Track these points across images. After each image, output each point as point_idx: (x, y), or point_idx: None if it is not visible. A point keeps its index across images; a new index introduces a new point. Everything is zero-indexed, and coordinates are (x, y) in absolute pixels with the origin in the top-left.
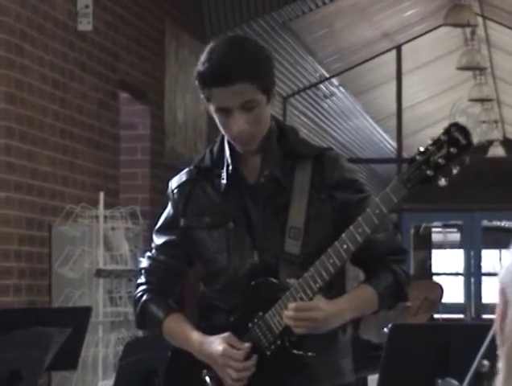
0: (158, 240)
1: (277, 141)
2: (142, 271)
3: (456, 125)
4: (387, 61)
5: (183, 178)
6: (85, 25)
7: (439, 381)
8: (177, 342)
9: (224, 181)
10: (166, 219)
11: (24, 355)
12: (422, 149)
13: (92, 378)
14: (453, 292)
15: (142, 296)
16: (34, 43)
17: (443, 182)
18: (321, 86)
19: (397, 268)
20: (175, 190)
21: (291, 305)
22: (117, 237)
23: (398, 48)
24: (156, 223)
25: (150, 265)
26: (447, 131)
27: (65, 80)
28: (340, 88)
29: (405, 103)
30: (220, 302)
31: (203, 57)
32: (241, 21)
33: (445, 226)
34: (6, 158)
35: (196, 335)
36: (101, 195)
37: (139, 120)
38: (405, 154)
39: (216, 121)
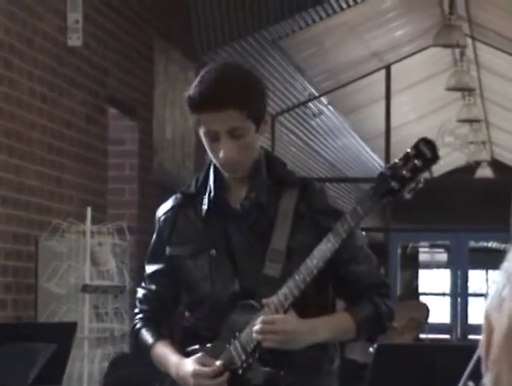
0: (148, 268)
1: (266, 168)
2: (137, 301)
3: (423, 140)
4: (376, 81)
5: (169, 206)
6: (75, 40)
7: None
8: (162, 367)
9: (205, 207)
10: (153, 247)
11: (9, 369)
12: (391, 163)
13: None
14: (439, 312)
15: (135, 325)
16: (23, 58)
17: (407, 195)
18: (310, 104)
19: (378, 301)
20: (162, 218)
21: (259, 319)
22: (103, 253)
23: (388, 68)
24: (143, 241)
25: (142, 295)
26: (415, 146)
27: (54, 94)
28: (329, 107)
29: (393, 122)
30: (202, 330)
31: (195, 81)
32: (231, 38)
33: (432, 246)
34: None
35: (174, 359)
36: (89, 210)
37: (128, 135)
38: None
39: (205, 145)
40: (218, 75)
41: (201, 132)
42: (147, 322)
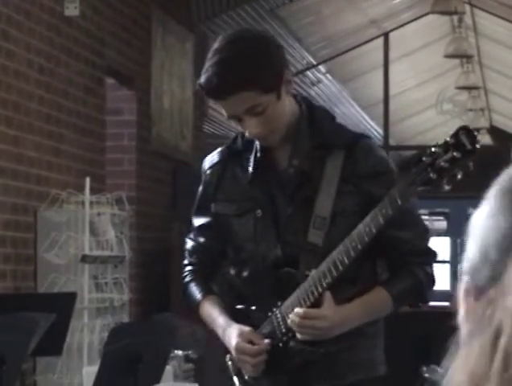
0: (196, 221)
1: (308, 128)
2: (186, 252)
3: (464, 129)
4: (374, 48)
5: (216, 159)
6: (72, 10)
7: (424, 368)
8: (209, 325)
9: (251, 166)
10: (200, 200)
11: (8, 340)
12: (431, 150)
13: (77, 364)
14: (439, 279)
15: (185, 277)
16: (20, 28)
17: (446, 186)
18: (308, 73)
19: (418, 271)
20: (208, 172)
21: (298, 310)
22: (103, 223)
23: (386, 35)
24: (142, 210)
25: (191, 247)
26: (455, 134)
27: (51, 65)
28: (327, 75)
29: (392, 90)
30: (246, 290)
31: (205, 65)
32: (228, 7)
33: (431, 214)
34: None
35: (221, 321)
36: (87, 180)
37: (125, 106)
38: (392, 142)
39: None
40: (223, 60)
41: (222, 112)
42: (196, 276)
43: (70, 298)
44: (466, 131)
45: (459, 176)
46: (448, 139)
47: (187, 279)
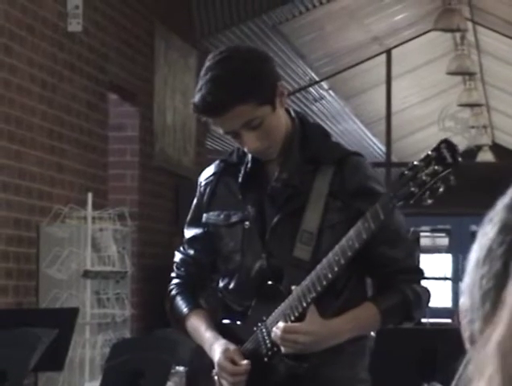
0: (187, 233)
1: (300, 142)
2: (174, 265)
3: (445, 142)
4: (377, 65)
5: (211, 172)
6: (75, 26)
7: (426, 385)
8: (196, 339)
9: (240, 178)
10: (193, 212)
11: (10, 355)
12: (413, 164)
13: (79, 379)
14: (441, 296)
15: (171, 290)
16: (23, 44)
17: (428, 200)
18: (311, 89)
19: (406, 289)
20: (203, 183)
21: (280, 325)
22: (105, 238)
23: (388, 52)
24: (144, 226)
25: (180, 259)
26: (436, 148)
27: (54, 80)
28: (330, 92)
29: (394, 107)
30: (233, 303)
31: (198, 83)
32: (231, 23)
33: (433, 230)
34: None
35: (208, 335)
36: (90, 195)
37: (128, 121)
38: (394, 158)
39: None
40: (215, 76)
41: (220, 130)
42: (183, 289)
43: (72, 314)
44: (447, 144)
45: (441, 190)
46: (430, 152)
47: (174, 292)
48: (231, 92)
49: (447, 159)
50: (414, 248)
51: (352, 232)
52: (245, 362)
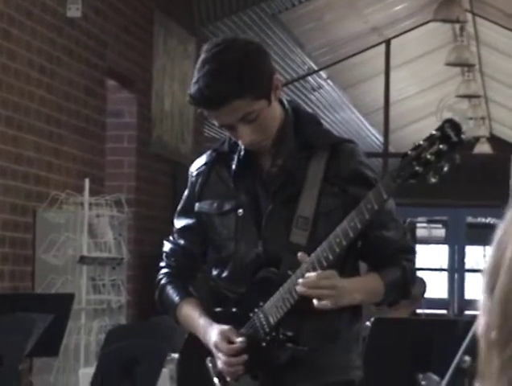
0: (177, 223)
1: (294, 129)
2: (164, 254)
3: (449, 122)
4: (376, 55)
5: (202, 161)
6: (74, 11)
7: (421, 376)
8: (188, 327)
9: (234, 166)
10: (184, 202)
11: (5, 340)
12: (416, 144)
13: (74, 365)
14: (437, 287)
15: (161, 279)
16: (22, 29)
17: (432, 179)
18: (309, 79)
19: (406, 266)
20: (194, 173)
21: (310, 274)
22: (101, 225)
23: (387, 43)
24: (141, 213)
25: (170, 249)
26: (440, 127)
27: (52, 66)
28: (329, 81)
29: (392, 97)
30: (226, 291)
31: (194, 75)
32: (230, 12)
33: (430, 221)
34: None
35: (202, 322)
36: (87, 182)
37: (126, 108)
38: (391, 149)
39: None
40: (213, 70)
41: (215, 122)
42: (173, 278)
43: (68, 299)
44: (452, 124)
45: (445, 169)
46: (434, 132)
47: (164, 281)
48: (228, 87)
49: (451, 138)
50: (406, 229)
51: (353, 214)
52: (240, 339)
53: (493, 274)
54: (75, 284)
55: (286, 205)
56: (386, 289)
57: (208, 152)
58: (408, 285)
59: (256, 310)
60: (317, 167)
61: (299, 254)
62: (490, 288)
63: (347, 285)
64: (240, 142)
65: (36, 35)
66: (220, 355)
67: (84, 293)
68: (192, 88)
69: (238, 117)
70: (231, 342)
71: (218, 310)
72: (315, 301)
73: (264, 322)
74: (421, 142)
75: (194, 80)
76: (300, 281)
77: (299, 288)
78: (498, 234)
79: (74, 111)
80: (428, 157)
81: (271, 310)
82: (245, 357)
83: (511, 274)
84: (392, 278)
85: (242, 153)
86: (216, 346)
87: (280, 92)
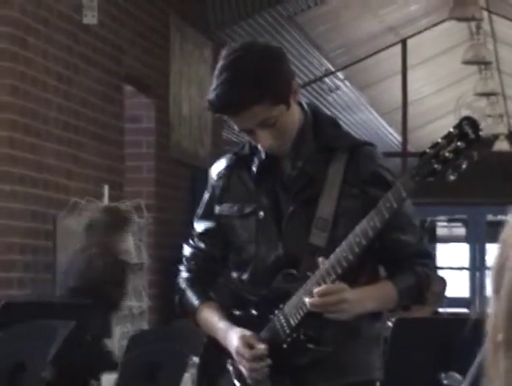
0: (197, 227)
1: (313, 132)
2: (184, 258)
3: (467, 119)
4: (392, 55)
5: (223, 165)
6: (90, 18)
7: (443, 375)
8: (208, 330)
9: (255, 169)
10: (204, 206)
11: (28, 347)
12: (435, 142)
13: None
14: (458, 286)
15: (181, 284)
16: (38, 36)
17: (451, 177)
18: (326, 80)
19: (420, 271)
20: (214, 177)
21: (319, 289)
22: None
23: (404, 42)
24: (161, 218)
25: (190, 253)
26: (458, 125)
27: (69, 73)
28: (346, 82)
29: (410, 97)
30: (247, 293)
31: (213, 82)
32: (246, 15)
33: (450, 220)
34: (9, 151)
35: (222, 325)
36: (106, 188)
37: (144, 113)
38: (410, 148)
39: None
40: (232, 77)
41: (234, 127)
42: (193, 282)
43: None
44: (469, 121)
45: (463, 166)
46: (452, 130)
47: (184, 285)
48: (247, 93)
49: (469, 135)
50: (423, 233)
51: (373, 213)
52: (263, 346)
53: (499, 275)
54: None
55: (306, 207)
56: (399, 295)
57: (228, 155)
58: (423, 290)
59: (276, 312)
60: (337, 169)
61: (320, 259)
62: (496, 289)
63: (357, 296)
64: (259, 147)
65: (53, 43)
66: (242, 360)
67: None
68: (211, 95)
69: (257, 122)
70: (252, 347)
71: (238, 313)
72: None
73: (285, 324)
74: (439, 140)
75: (212, 86)
76: (307, 300)
77: (309, 306)
78: (503, 234)
79: (92, 117)
80: (446, 154)
81: (291, 311)
82: (268, 361)
83: None
84: (405, 285)
85: (263, 156)
86: (238, 352)
87: (298, 96)
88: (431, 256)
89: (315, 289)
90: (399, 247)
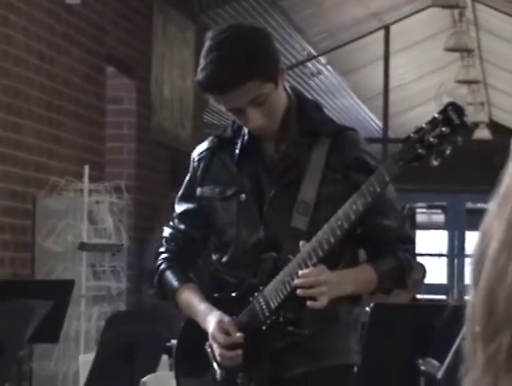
0: (178, 208)
1: (297, 116)
2: (163, 239)
3: (452, 105)
4: (375, 41)
5: (204, 147)
6: None
7: (421, 361)
8: (188, 312)
9: (237, 151)
10: (186, 187)
11: (6, 326)
12: (419, 127)
13: (74, 351)
14: (436, 273)
15: (160, 265)
16: (20, 15)
17: (435, 162)
18: (309, 64)
19: (401, 255)
20: (196, 158)
21: (300, 273)
22: (101, 211)
23: (387, 28)
24: (141, 199)
25: (170, 234)
26: (443, 110)
27: (52, 52)
28: (328, 67)
29: (392, 83)
30: (227, 275)
31: (200, 62)
32: None
33: (429, 207)
34: None
35: (202, 308)
36: (86, 168)
37: (125, 94)
38: (391, 134)
39: (234, 116)
40: (221, 54)
41: (223, 108)
42: (173, 263)
43: (68, 286)
44: (454, 107)
45: (447, 151)
46: (437, 115)
47: (163, 266)
48: (238, 70)
49: (454, 121)
50: (405, 219)
51: (355, 196)
52: (238, 334)
53: (478, 266)
54: (75, 270)
55: (289, 190)
56: (379, 279)
57: (211, 138)
58: (404, 275)
59: (256, 294)
60: (320, 154)
61: (301, 243)
62: (475, 280)
63: (336, 278)
64: (248, 126)
65: (35, 22)
66: (216, 346)
67: (84, 280)
68: (200, 75)
69: (248, 99)
70: (228, 333)
71: (217, 295)
72: (308, 303)
73: (264, 306)
74: (423, 125)
75: (201, 66)
76: (296, 281)
77: (298, 292)
78: (484, 224)
79: (74, 98)
80: (431, 139)
81: (271, 293)
82: (239, 352)
83: (496, 267)
84: (386, 268)
85: (246, 138)
86: (213, 337)
87: (284, 77)
88: (413, 241)
89: (300, 272)
90: (382, 231)
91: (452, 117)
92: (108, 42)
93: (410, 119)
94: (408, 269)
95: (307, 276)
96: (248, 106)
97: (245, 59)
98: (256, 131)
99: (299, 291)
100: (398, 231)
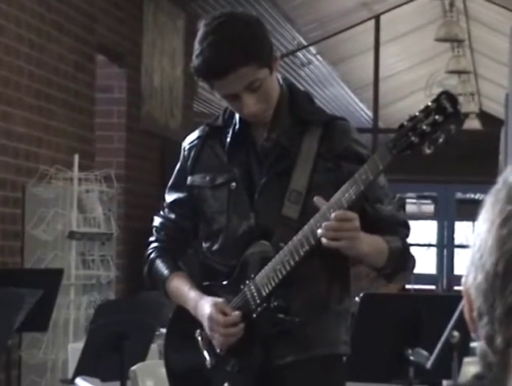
0: (168, 197)
1: (288, 106)
2: (154, 229)
3: (445, 93)
4: (365, 31)
5: (195, 136)
6: None
7: (410, 351)
8: (178, 300)
9: (228, 140)
10: (175, 176)
11: None
12: (412, 115)
13: (63, 340)
14: (426, 263)
15: (150, 254)
16: (10, 3)
17: (427, 150)
18: (299, 54)
19: (405, 239)
20: (187, 147)
21: (333, 214)
22: (91, 200)
23: (377, 18)
24: (130, 188)
25: (160, 223)
26: (436, 99)
27: (42, 41)
28: (318, 57)
29: (382, 73)
30: (217, 264)
31: (195, 48)
32: None
33: (419, 197)
34: None
35: (193, 295)
36: (76, 157)
37: (115, 83)
38: (381, 124)
39: (228, 104)
40: (217, 39)
41: (218, 95)
42: (163, 253)
43: (57, 274)
44: (447, 95)
45: (440, 140)
46: (430, 104)
47: (153, 255)
48: (234, 54)
49: (447, 109)
50: (398, 206)
51: (347, 185)
52: (236, 312)
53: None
54: (64, 259)
55: (280, 179)
56: (389, 253)
57: (202, 126)
58: (407, 257)
59: (247, 282)
60: (311, 143)
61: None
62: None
63: (361, 235)
64: (244, 112)
65: (25, 10)
66: (216, 326)
67: (74, 269)
68: (196, 61)
69: (244, 84)
70: (225, 314)
71: (208, 283)
72: (324, 240)
73: (255, 294)
74: (417, 113)
75: (196, 52)
76: (324, 224)
77: (320, 231)
78: (482, 213)
79: (63, 86)
80: (424, 128)
81: (263, 281)
82: (241, 326)
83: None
84: (395, 246)
85: (237, 127)
86: (211, 318)
87: (278, 65)
88: (410, 228)
89: (333, 214)
90: (383, 216)
91: (445, 105)
92: (98, 30)
93: (400, 109)
94: (409, 252)
95: (346, 219)
96: (243, 92)
97: (242, 44)
98: (251, 118)
99: (322, 232)
100: (398, 215)
